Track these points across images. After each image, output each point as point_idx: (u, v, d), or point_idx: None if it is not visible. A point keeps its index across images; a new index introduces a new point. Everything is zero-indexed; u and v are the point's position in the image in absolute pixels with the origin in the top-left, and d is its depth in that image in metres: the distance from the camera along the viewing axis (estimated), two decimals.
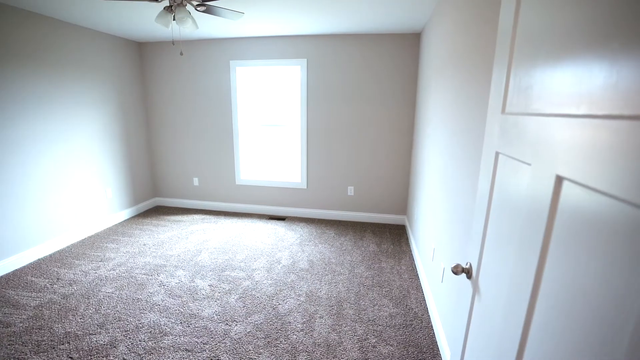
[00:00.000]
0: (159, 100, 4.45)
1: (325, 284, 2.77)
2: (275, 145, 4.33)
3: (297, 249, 3.44)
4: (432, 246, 2.46)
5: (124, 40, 4.06)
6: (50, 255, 3.21)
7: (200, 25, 3.47)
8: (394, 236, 3.82)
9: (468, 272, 1.18)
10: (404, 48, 3.72)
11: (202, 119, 4.38)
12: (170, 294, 2.59)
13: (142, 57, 4.35)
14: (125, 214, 4.26)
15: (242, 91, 4.22)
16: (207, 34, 3.83)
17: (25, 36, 2.94)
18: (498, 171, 1.00)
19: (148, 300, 2.51)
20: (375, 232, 3.92)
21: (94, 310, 2.39)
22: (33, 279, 2.81)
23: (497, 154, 1.01)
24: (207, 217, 4.37)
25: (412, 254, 3.34)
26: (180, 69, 4.27)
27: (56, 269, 2.96)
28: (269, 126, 4.28)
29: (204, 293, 2.61)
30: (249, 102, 4.26)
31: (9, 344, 2.04)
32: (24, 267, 3.00)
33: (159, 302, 2.48)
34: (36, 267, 3.00)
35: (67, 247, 3.40)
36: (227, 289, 2.68)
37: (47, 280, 2.79)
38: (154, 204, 4.82)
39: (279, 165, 4.39)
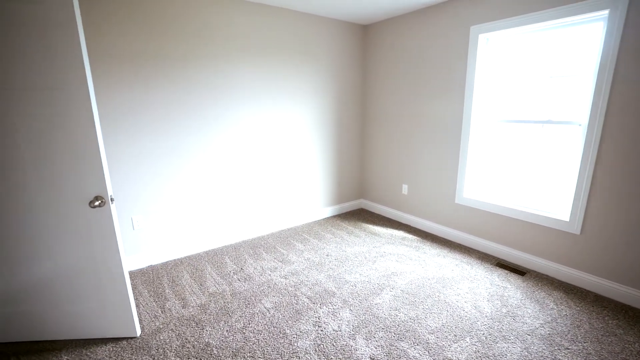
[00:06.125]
0: (375, 88, 3.84)
1: None
2: (525, 152, 2.70)
3: (542, 349, 1.85)
4: None
5: (350, 25, 3.69)
6: (252, 240, 3.32)
7: None
8: None
9: None
10: None
11: (422, 108, 3.38)
12: (317, 347, 1.86)
13: (365, 41, 3.86)
14: (328, 211, 4.01)
15: (482, 71, 2.86)
16: None
17: (253, 27, 3.02)
18: None
19: (292, 342, 1.89)
20: None
21: (242, 325, 2.04)
22: (227, 260, 2.90)
23: None
24: (409, 237, 3.39)
25: None
26: (403, 48, 3.43)
27: (246, 256, 2.96)
28: (517, 123, 2.70)
29: None
30: (490, 86, 2.85)
31: (161, 332, 1.97)
32: (231, 245, 3.19)
33: (299, 352, 1.81)
34: (236, 248, 3.13)
35: (267, 235, 3.44)
36: None
37: (235, 266, 2.79)
38: (359, 206, 4.36)
39: (527, 185, 2.74)
